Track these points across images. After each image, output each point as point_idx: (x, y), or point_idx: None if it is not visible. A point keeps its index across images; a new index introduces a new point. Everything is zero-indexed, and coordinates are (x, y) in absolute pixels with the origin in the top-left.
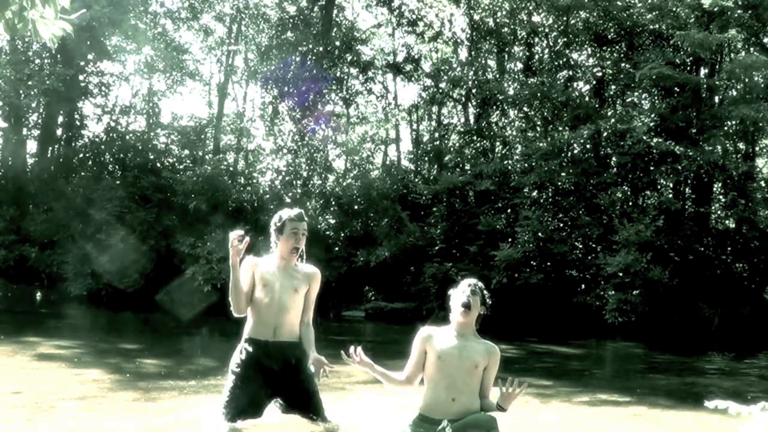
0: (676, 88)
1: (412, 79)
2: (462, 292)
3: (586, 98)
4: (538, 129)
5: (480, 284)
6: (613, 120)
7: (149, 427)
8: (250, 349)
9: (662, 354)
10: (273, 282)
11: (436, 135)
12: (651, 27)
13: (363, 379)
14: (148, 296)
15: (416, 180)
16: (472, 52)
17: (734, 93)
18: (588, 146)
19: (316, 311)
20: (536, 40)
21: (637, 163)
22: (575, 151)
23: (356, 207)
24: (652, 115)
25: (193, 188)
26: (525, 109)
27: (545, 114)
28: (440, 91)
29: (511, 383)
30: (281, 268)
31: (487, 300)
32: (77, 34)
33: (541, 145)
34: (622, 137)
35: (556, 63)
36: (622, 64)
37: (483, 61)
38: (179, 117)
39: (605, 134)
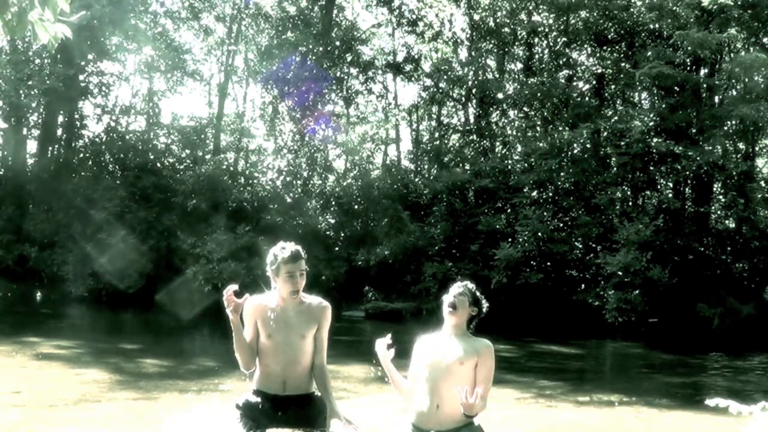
0: (675, 88)
1: (412, 79)
2: (450, 293)
3: (587, 98)
4: (538, 129)
5: (470, 285)
6: (612, 120)
7: (149, 427)
8: (259, 400)
9: (662, 354)
10: (277, 330)
11: (436, 135)
12: (651, 26)
13: (363, 378)
14: (149, 296)
15: (416, 180)
16: (472, 52)
17: (734, 93)
18: (588, 146)
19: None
20: (536, 39)
21: (636, 163)
22: (575, 151)
23: (356, 207)
24: (651, 115)
25: (194, 188)
26: (525, 109)
27: (545, 114)
28: (440, 91)
29: (464, 392)
30: (284, 312)
31: (481, 300)
32: (77, 33)
33: (540, 144)
34: (622, 137)
35: (556, 63)
36: (622, 64)
37: (483, 61)
38: (179, 117)
39: (605, 134)
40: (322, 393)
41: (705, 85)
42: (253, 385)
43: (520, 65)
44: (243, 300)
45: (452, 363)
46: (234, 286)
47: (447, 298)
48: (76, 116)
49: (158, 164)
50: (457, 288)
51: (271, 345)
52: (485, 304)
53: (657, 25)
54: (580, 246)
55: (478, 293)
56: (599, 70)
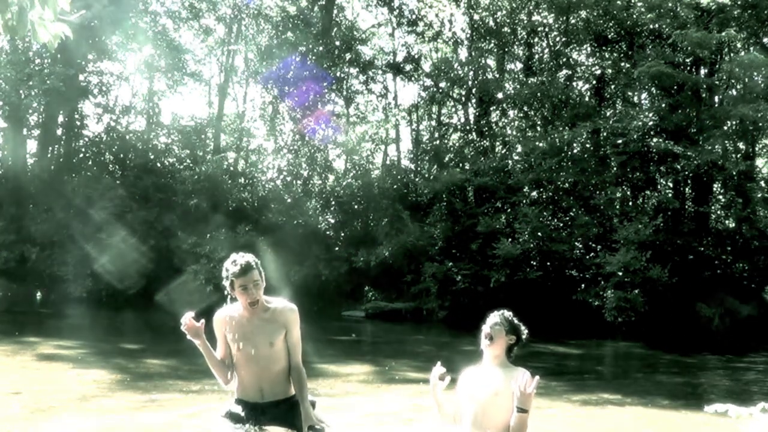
0: (675, 88)
1: (412, 78)
2: (486, 324)
3: (586, 98)
4: (538, 129)
5: (507, 313)
6: (612, 120)
7: (150, 427)
8: (240, 407)
9: (662, 354)
10: (245, 341)
11: (436, 134)
12: (651, 26)
13: (363, 378)
14: (149, 296)
15: (416, 179)
16: (472, 52)
17: (734, 93)
18: (587, 145)
19: (317, 312)
20: (536, 39)
21: (635, 163)
22: (575, 151)
23: (356, 207)
24: (651, 115)
25: (194, 188)
26: (525, 108)
27: (545, 113)
28: (440, 90)
29: (523, 382)
30: (250, 322)
31: (519, 327)
32: (78, 33)
33: (540, 144)
34: (621, 136)
35: (556, 62)
36: (622, 64)
37: (483, 61)
38: (179, 117)
39: (604, 134)
40: (297, 396)
41: (704, 85)
42: (234, 394)
43: (520, 65)
44: (201, 324)
45: (489, 396)
46: (191, 314)
47: (483, 329)
48: (76, 116)
49: (158, 164)
50: (492, 318)
51: (242, 356)
52: (524, 331)
53: (656, 25)
54: (580, 245)
55: (515, 321)
56: (599, 70)
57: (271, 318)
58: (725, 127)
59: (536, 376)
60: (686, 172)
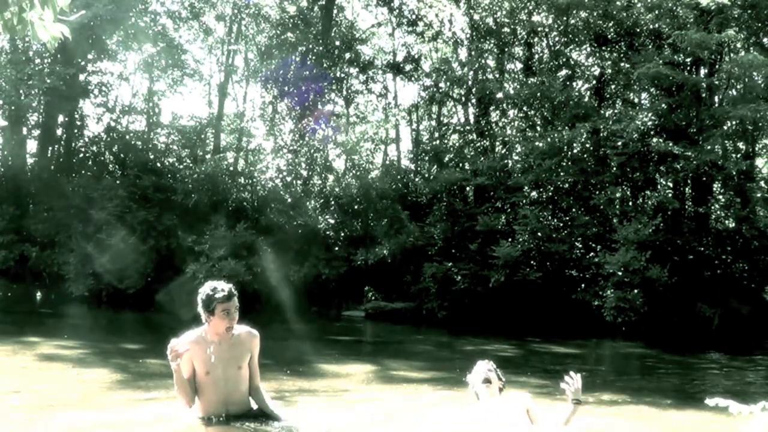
0: (675, 88)
1: (412, 78)
2: (480, 372)
3: (585, 98)
4: (538, 129)
5: (492, 365)
6: (611, 120)
7: (150, 426)
8: (208, 426)
9: (662, 354)
10: (214, 365)
11: (436, 134)
12: (650, 27)
13: (363, 378)
14: (149, 296)
15: (416, 179)
16: (472, 52)
17: (734, 93)
18: (587, 146)
19: (317, 312)
20: (536, 39)
21: (634, 163)
22: (574, 151)
23: (356, 207)
24: (650, 115)
25: (194, 187)
26: (524, 108)
27: (545, 113)
28: (440, 90)
29: (569, 380)
30: (219, 347)
31: (501, 377)
32: (78, 32)
33: (539, 144)
34: (621, 137)
35: (556, 62)
36: (622, 64)
37: (483, 61)
38: (179, 117)
39: (604, 134)
40: (264, 409)
41: (704, 85)
42: (199, 415)
43: (519, 65)
44: (184, 351)
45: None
46: (177, 340)
47: (477, 378)
48: (76, 116)
49: (158, 164)
50: (485, 365)
51: (210, 380)
52: (503, 379)
53: (656, 26)
54: (580, 245)
55: (498, 371)
56: (599, 70)
57: (237, 343)
58: (725, 127)
59: (577, 374)
60: (686, 172)
